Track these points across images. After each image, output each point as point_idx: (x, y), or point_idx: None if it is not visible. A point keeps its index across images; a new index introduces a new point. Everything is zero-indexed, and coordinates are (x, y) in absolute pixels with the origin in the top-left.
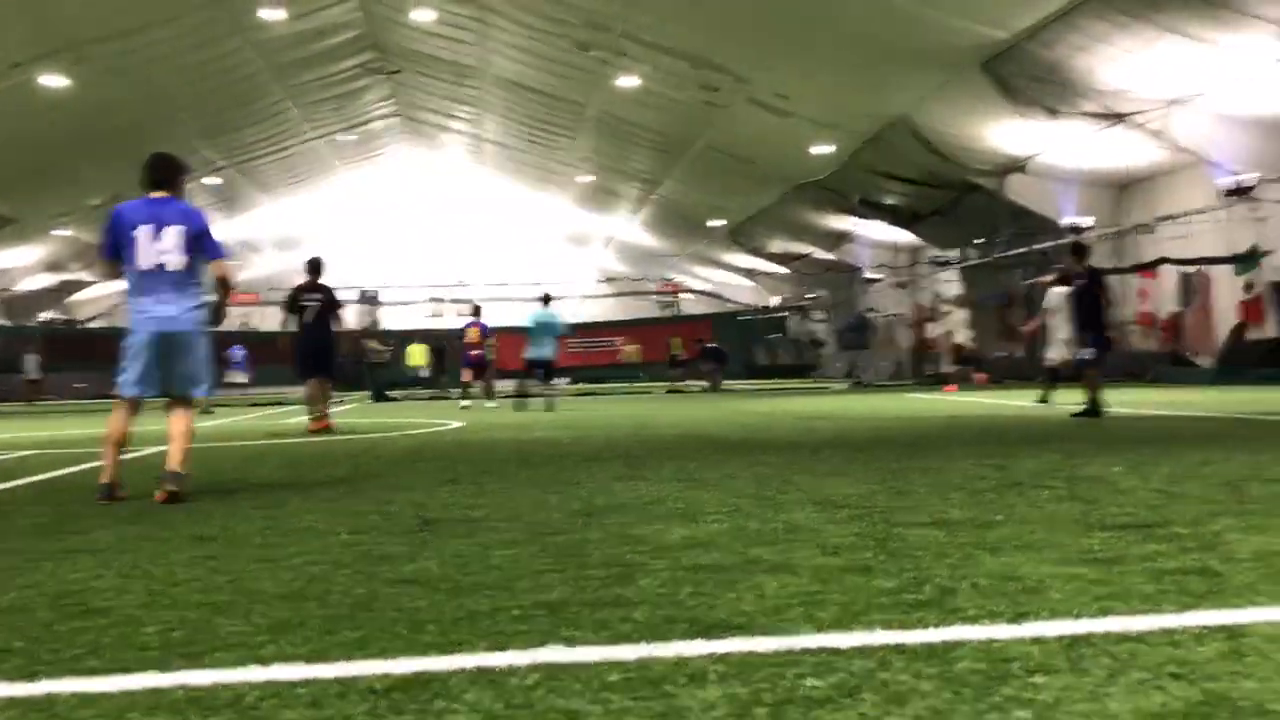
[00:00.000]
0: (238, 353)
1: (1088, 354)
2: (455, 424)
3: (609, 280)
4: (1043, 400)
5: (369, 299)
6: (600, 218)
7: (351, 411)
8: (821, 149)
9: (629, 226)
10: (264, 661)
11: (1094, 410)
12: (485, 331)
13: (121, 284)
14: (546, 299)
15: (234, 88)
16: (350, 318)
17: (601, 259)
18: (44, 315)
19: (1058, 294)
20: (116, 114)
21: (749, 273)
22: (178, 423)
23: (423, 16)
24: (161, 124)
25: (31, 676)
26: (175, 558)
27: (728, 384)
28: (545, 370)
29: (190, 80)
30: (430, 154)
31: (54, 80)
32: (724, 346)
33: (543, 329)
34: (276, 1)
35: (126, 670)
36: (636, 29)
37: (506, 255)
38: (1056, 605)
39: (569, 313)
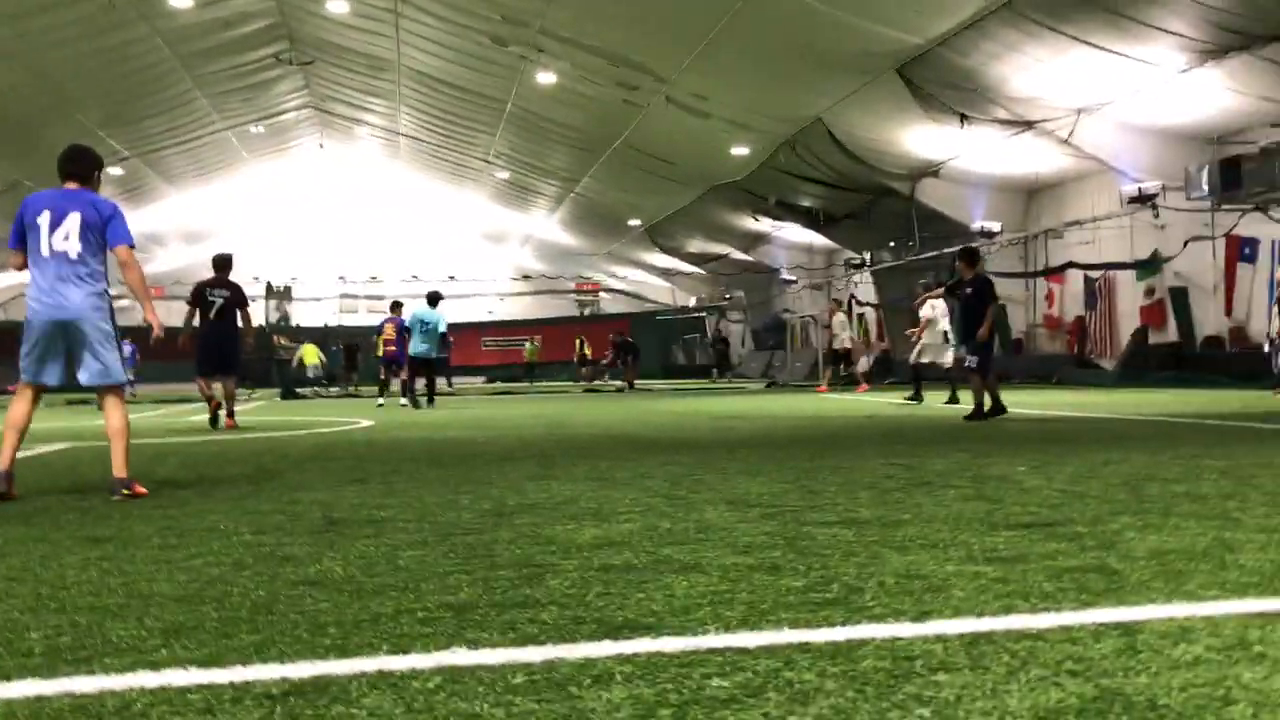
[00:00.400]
0: (125, 348)
1: (972, 362)
2: (365, 423)
3: (526, 278)
4: (914, 399)
5: (279, 294)
6: (518, 215)
7: (259, 409)
8: (739, 150)
9: (547, 224)
10: (156, 667)
11: (982, 412)
12: (401, 327)
13: (17, 277)
14: (433, 298)
15: (139, 76)
16: (260, 314)
17: (519, 257)
18: None
19: (931, 306)
20: (12, 102)
21: (666, 273)
22: (110, 419)
23: (336, 7)
24: (61, 112)
25: None
26: (67, 559)
27: (645, 384)
28: (428, 367)
29: (92, 68)
30: (343, 147)
31: None
32: (637, 343)
33: (423, 327)
34: None
35: (8, 678)
36: (554, 25)
37: (422, 251)
38: (959, 603)
39: (484, 310)
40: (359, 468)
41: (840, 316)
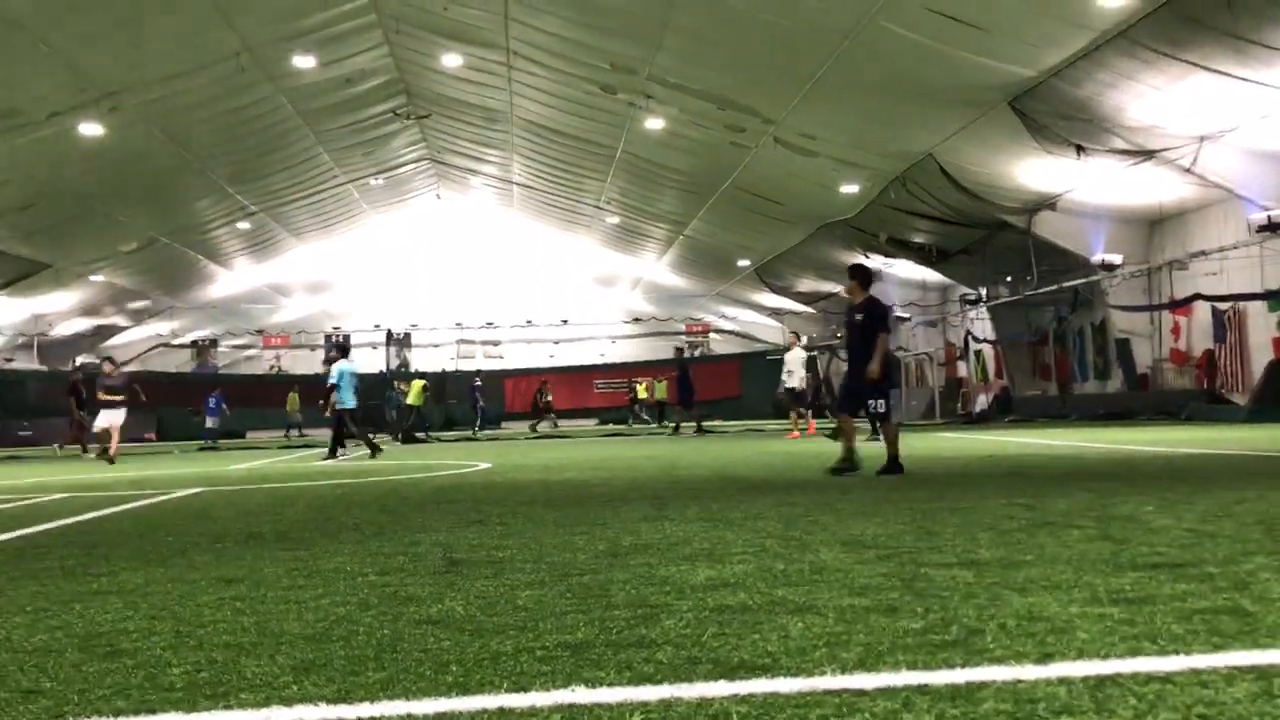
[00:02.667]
0: (211, 399)
1: (878, 406)
2: (482, 465)
3: (636, 320)
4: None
5: (399, 341)
6: (628, 258)
7: (383, 454)
8: (848, 188)
9: (657, 267)
10: (288, 702)
11: (897, 465)
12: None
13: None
14: (345, 350)
15: (265, 134)
16: (379, 360)
17: (629, 300)
18: (80, 359)
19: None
20: (150, 161)
21: (776, 312)
22: None
23: (451, 62)
24: (194, 170)
25: (59, 718)
26: (202, 599)
27: (759, 424)
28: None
29: (222, 127)
30: (459, 197)
31: (90, 129)
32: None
33: (349, 380)
34: (308, 49)
35: (153, 711)
36: (661, 71)
37: (535, 296)
38: (1084, 645)
39: (596, 353)
40: (477, 509)
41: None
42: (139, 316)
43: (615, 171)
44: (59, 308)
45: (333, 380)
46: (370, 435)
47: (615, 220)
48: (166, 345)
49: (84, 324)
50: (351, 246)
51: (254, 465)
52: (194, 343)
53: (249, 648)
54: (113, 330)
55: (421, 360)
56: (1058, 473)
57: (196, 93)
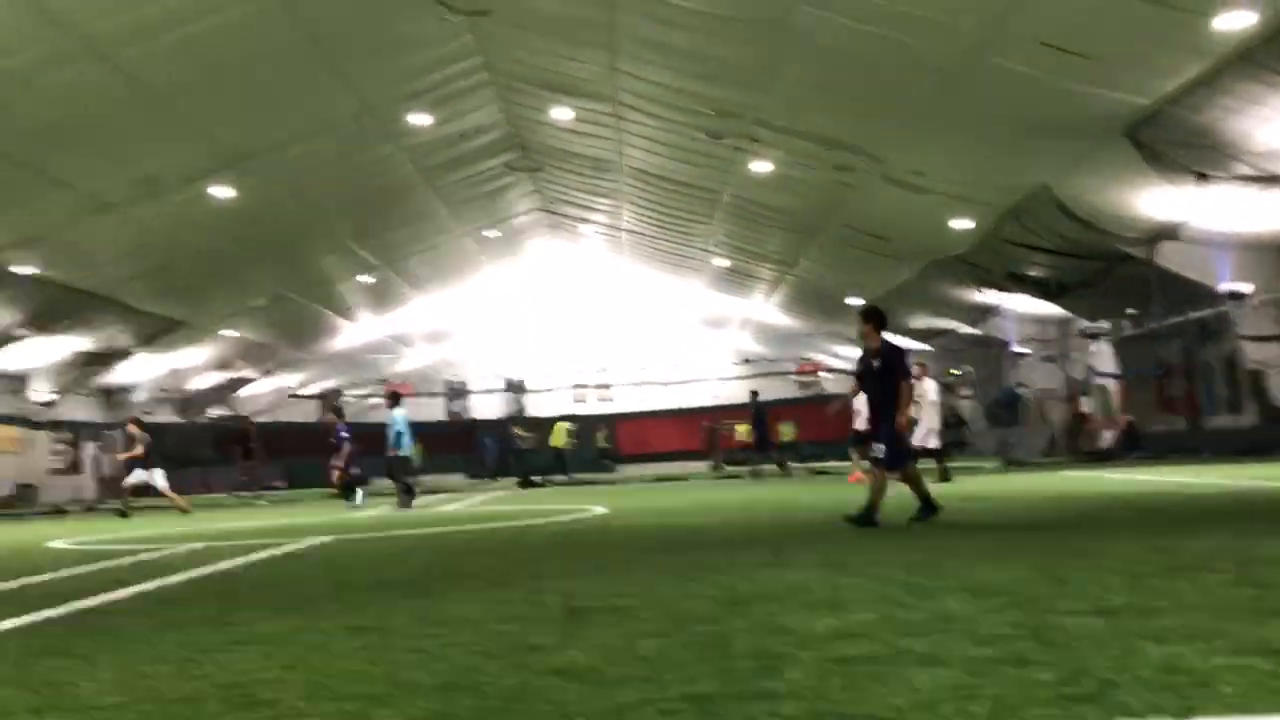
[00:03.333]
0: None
1: (878, 453)
2: (598, 509)
3: (746, 362)
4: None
5: (515, 387)
6: (737, 300)
7: (499, 499)
8: (960, 223)
9: (766, 307)
10: None
11: (870, 517)
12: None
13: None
14: (398, 399)
15: (386, 191)
16: (498, 406)
17: (739, 341)
18: (213, 411)
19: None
20: (277, 220)
21: None
22: None
23: (561, 115)
24: (317, 228)
25: None
26: (334, 649)
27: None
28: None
29: (345, 186)
30: (571, 245)
31: (222, 191)
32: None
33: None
34: (424, 108)
35: None
36: (767, 115)
37: (646, 340)
38: (1228, 700)
39: (707, 395)
40: (596, 555)
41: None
42: (268, 369)
43: (722, 215)
44: (194, 362)
45: (398, 428)
46: (409, 483)
47: (723, 263)
48: (295, 397)
49: (217, 377)
50: (469, 296)
51: (378, 513)
52: (321, 394)
53: (381, 698)
54: (243, 382)
55: (537, 406)
56: (1192, 512)
57: (320, 154)
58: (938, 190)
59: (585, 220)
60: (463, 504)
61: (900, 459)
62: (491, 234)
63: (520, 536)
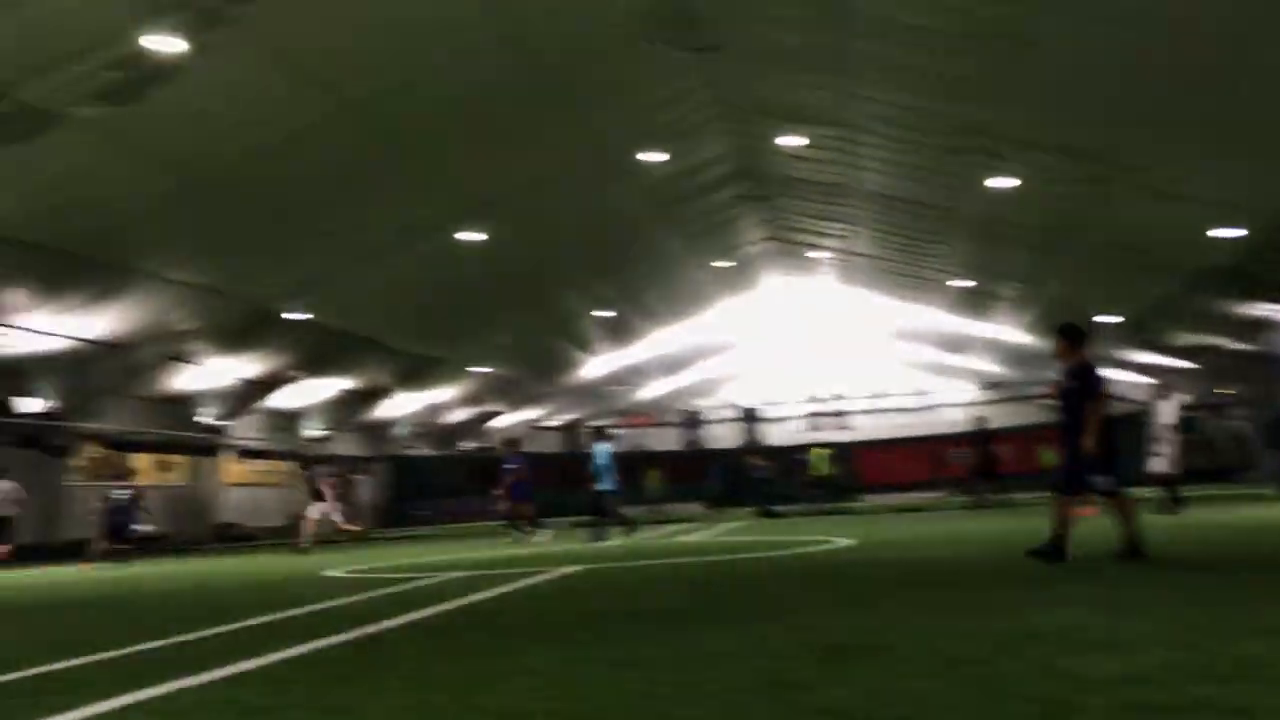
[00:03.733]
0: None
1: (1107, 484)
2: (843, 541)
3: (991, 386)
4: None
5: (750, 416)
6: (978, 322)
7: (739, 528)
8: (1226, 231)
9: (1009, 329)
10: None
11: (1136, 549)
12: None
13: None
14: (602, 433)
15: (621, 227)
16: (732, 435)
17: (980, 364)
18: (464, 445)
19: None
20: (522, 261)
21: (1144, 369)
22: None
23: (792, 143)
24: (560, 266)
25: None
26: (600, 681)
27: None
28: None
29: (583, 225)
30: (804, 271)
31: (472, 235)
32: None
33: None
34: (656, 146)
35: None
36: (1008, 130)
37: (882, 367)
38: None
39: (948, 422)
40: (846, 588)
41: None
42: (515, 403)
43: (962, 234)
44: (447, 398)
45: (600, 462)
46: (622, 516)
47: (963, 284)
48: (538, 428)
49: (468, 412)
50: (702, 327)
51: (624, 542)
52: (564, 425)
53: None
54: (492, 415)
55: (773, 435)
56: None
57: (560, 196)
58: (1199, 197)
59: (817, 246)
60: (702, 534)
61: (1079, 483)
62: (723, 264)
63: (767, 568)
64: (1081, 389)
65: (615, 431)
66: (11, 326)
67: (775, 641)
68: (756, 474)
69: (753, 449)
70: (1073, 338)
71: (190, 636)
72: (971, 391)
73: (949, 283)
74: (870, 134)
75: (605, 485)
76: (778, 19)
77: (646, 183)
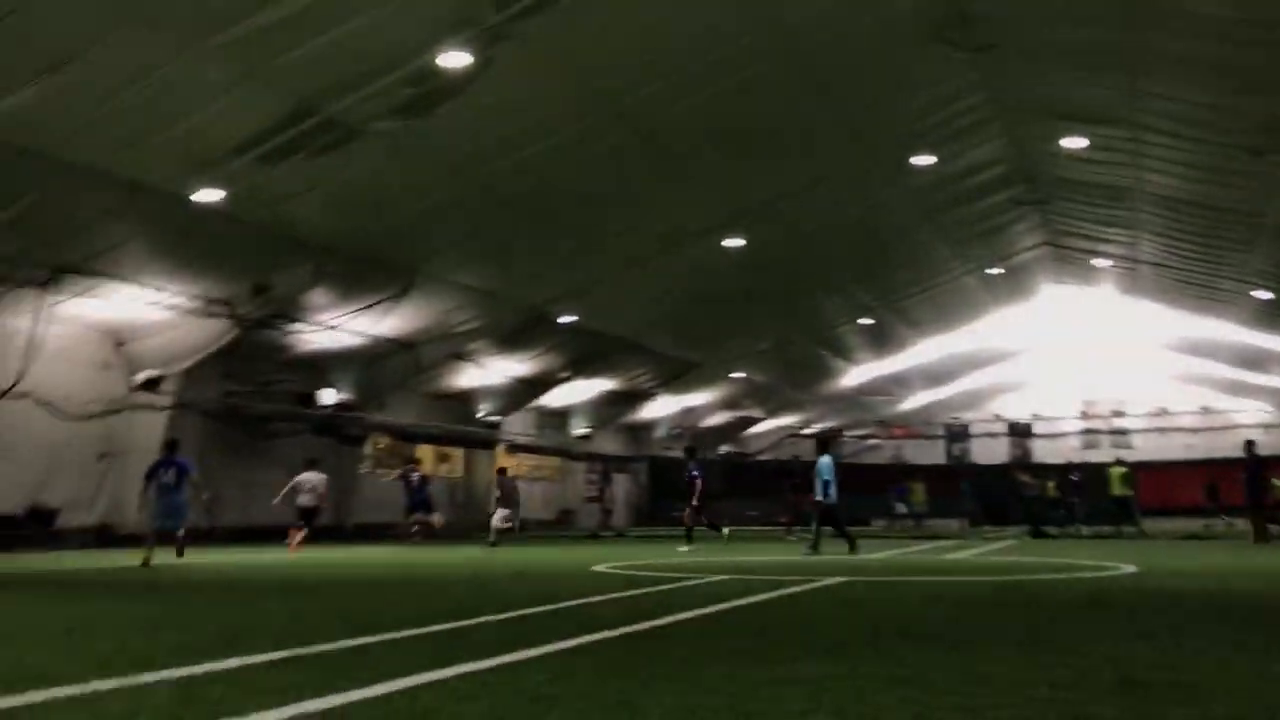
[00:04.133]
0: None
1: None
2: (1127, 568)
3: None
4: None
5: (1020, 431)
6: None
7: (1007, 548)
8: None
9: None
10: None
11: None
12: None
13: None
14: (824, 446)
15: (886, 233)
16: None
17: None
18: (723, 449)
19: None
20: (783, 267)
21: None
22: None
23: (1072, 144)
24: (821, 272)
25: None
26: (878, 700)
27: None
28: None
29: (846, 230)
30: (1081, 280)
31: (733, 241)
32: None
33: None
34: (926, 148)
35: None
36: None
37: (1165, 382)
38: None
39: (1233, 445)
40: (1138, 619)
41: None
42: (772, 409)
43: (1265, 241)
44: (704, 401)
45: (825, 476)
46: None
47: (1265, 295)
48: (796, 436)
49: (725, 416)
50: (969, 337)
51: (887, 555)
52: (818, 433)
53: None
54: (750, 422)
55: (1044, 451)
56: None
57: (824, 200)
58: None
59: (1097, 253)
60: (967, 552)
61: None
62: (995, 271)
63: (1046, 592)
64: None
65: (840, 439)
66: (315, 324)
67: (1062, 671)
68: (1027, 493)
69: (1022, 465)
70: None
71: (470, 622)
72: (1268, 412)
73: (1249, 293)
74: (1159, 133)
75: (827, 499)
76: (1058, 14)
77: (915, 186)
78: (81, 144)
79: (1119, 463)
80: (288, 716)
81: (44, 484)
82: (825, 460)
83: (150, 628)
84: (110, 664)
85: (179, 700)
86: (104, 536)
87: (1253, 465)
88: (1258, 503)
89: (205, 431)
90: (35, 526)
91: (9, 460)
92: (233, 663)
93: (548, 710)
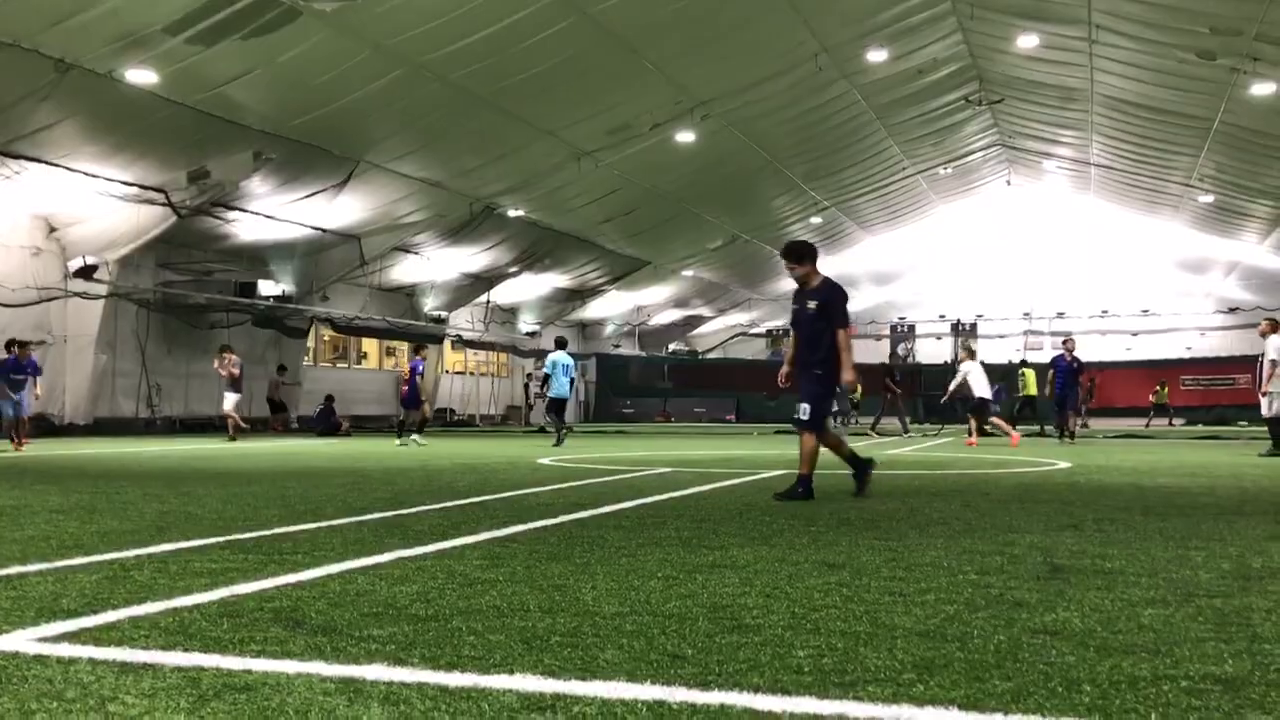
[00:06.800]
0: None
1: (802, 412)
2: (1061, 464)
3: (1231, 311)
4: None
5: (964, 331)
6: (1222, 241)
7: (947, 445)
8: None
9: (1257, 250)
10: (917, 701)
11: (800, 490)
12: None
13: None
14: (562, 343)
15: (838, 130)
16: (945, 351)
17: (1222, 288)
18: (672, 346)
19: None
20: (734, 163)
21: None
22: None
23: (1027, 43)
24: (772, 170)
25: (705, 686)
26: (810, 582)
27: None
28: (559, 407)
29: (799, 127)
30: (1030, 182)
31: (684, 136)
32: None
33: (559, 371)
34: (881, 44)
35: (786, 692)
36: (1273, 29)
37: (1110, 285)
38: None
39: (1181, 346)
40: (1067, 511)
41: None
42: (721, 307)
43: (1211, 145)
44: (655, 300)
45: (546, 370)
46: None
47: (1208, 199)
48: (745, 334)
49: (675, 314)
50: (918, 237)
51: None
52: (768, 332)
53: (865, 638)
54: (699, 320)
55: (988, 351)
56: None
57: (776, 97)
58: None
59: (1047, 155)
60: (906, 449)
61: (819, 421)
62: (944, 171)
63: (979, 486)
64: (829, 313)
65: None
66: (255, 213)
67: (991, 558)
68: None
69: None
70: (809, 255)
71: (410, 510)
72: (1209, 316)
73: (1194, 197)
74: (1113, 33)
75: (558, 393)
76: None
77: (867, 83)
78: (6, 20)
79: (1025, 364)
80: (217, 598)
81: None
82: (554, 358)
83: (84, 515)
84: (38, 549)
85: (106, 582)
86: (39, 425)
87: (1064, 366)
88: (1064, 403)
89: (143, 321)
90: None
91: None
92: (165, 547)
93: (482, 593)
